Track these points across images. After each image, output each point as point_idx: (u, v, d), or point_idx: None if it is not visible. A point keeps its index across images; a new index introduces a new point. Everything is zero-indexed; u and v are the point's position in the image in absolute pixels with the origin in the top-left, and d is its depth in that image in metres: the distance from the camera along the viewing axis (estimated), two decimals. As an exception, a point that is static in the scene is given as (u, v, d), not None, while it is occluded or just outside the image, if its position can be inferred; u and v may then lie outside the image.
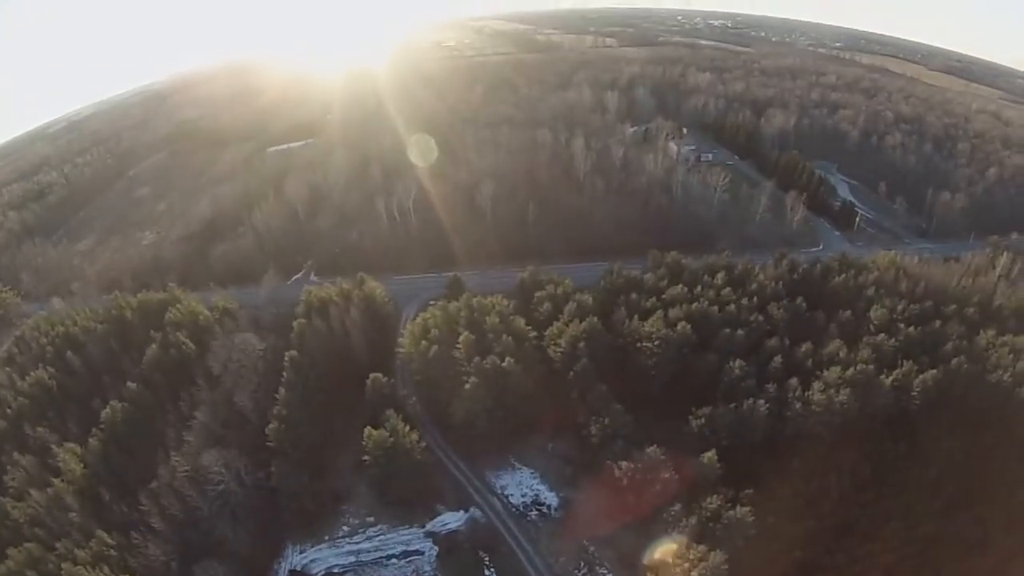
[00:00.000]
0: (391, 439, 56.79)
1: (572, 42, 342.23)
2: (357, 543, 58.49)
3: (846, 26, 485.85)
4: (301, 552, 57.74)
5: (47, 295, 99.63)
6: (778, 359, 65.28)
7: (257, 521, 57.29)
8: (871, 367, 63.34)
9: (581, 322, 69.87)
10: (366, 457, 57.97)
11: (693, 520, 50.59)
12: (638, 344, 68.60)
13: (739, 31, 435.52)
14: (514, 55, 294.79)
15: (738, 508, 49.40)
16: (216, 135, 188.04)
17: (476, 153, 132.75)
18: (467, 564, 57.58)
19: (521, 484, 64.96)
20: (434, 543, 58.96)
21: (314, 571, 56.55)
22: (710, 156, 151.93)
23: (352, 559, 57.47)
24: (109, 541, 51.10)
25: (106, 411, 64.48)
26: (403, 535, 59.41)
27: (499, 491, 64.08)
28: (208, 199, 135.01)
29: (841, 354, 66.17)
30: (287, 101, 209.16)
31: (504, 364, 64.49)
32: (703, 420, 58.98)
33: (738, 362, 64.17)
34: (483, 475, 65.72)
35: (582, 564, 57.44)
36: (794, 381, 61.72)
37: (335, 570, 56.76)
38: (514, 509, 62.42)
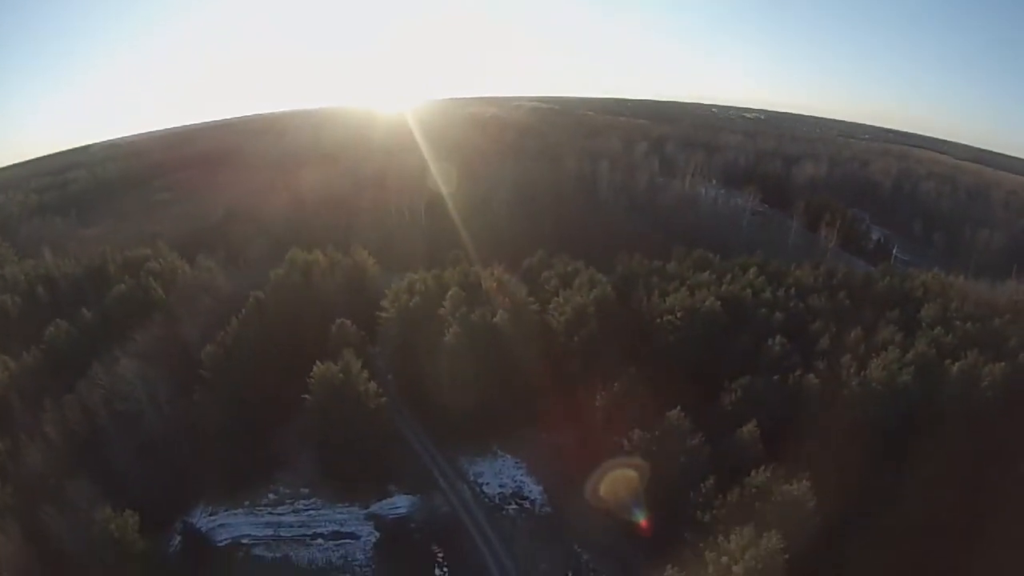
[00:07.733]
0: (341, 375, 45.26)
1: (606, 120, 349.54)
2: (280, 514, 45.80)
3: (875, 124, 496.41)
4: (211, 514, 45.20)
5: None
6: (825, 339, 52.51)
7: (169, 464, 45.49)
8: (933, 351, 50.35)
9: (591, 291, 59.02)
10: (307, 396, 46.16)
11: (733, 498, 37.21)
12: (658, 320, 56.88)
13: (772, 122, 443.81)
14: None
15: (796, 483, 35.94)
16: (252, 161, 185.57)
17: (498, 168, 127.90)
18: (412, 557, 44.58)
19: (501, 473, 52.01)
20: (376, 527, 46.19)
21: (218, 538, 43.79)
22: (738, 200, 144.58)
23: (270, 532, 44.88)
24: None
25: (50, 329, 57.68)
26: (338, 513, 46.75)
27: (472, 478, 51.29)
28: (226, 205, 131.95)
29: (897, 339, 52.93)
30: (323, 143, 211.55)
31: (495, 319, 53.59)
32: (740, 392, 46.10)
33: (779, 338, 51.72)
34: (455, 460, 53.04)
35: (570, 575, 44.00)
36: (848, 358, 48.83)
37: (244, 540, 44.00)
38: (487, 500, 49.43)
